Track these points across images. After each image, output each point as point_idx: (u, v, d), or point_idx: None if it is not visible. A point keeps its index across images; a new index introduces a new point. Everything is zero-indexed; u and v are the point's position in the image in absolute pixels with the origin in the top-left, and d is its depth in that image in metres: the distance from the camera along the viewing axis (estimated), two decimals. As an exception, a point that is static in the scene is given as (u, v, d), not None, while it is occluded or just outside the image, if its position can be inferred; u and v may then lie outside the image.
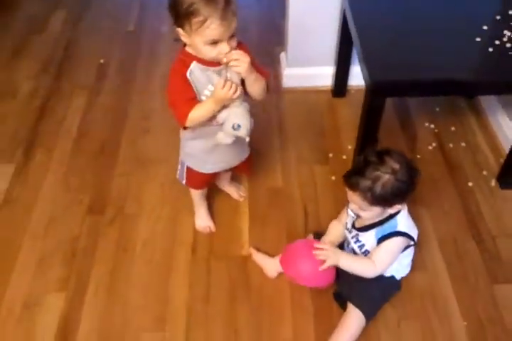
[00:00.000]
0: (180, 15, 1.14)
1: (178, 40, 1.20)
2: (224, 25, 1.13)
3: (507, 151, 1.66)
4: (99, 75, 2.11)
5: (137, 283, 1.45)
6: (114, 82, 2.08)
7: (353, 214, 1.34)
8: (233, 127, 1.22)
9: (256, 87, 1.25)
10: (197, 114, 1.22)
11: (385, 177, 1.19)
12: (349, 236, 1.38)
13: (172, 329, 1.35)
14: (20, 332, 1.35)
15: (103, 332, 1.35)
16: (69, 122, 1.92)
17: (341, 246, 1.43)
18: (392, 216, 1.29)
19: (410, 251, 1.36)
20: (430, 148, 1.83)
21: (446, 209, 1.64)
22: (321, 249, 1.30)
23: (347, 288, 1.36)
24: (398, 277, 1.39)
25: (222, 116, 1.24)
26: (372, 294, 1.34)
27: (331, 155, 1.79)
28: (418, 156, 1.80)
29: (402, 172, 1.20)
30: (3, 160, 1.78)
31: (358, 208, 1.26)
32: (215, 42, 1.15)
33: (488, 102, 1.93)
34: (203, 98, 1.23)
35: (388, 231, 1.29)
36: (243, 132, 1.23)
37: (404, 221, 1.30)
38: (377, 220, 1.30)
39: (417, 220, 1.54)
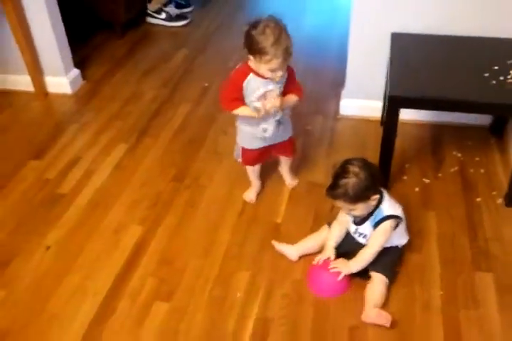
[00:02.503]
0: (254, 51, 1.65)
1: (245, 60, 1.74)
2: (282, 63, 1.65)
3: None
4: (202, 93, 2.73)
5: (195, 228, 1.94)
6: (211, 98, 2.67)
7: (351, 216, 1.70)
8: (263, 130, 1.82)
9: (291, 103, 1.82)
10: (241, 112, 1.79)
11: (351, 181, 1.55)
12: (352, 231, 1.72)
13: (211, 260, 1.81)
14: (106, 248, 1.88)
15: (163, 254, 1.84)
16: (173, 121, 2.53)
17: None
18: (377, 206, 1.63)
19: (401, 226, 1.70)
20: (452, 170, 2.18)
21: (452, 215, 1.97)
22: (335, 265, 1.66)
23: None
24: (400, 246, 1.74)
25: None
26: (387, 261, 1.68)
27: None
28: (439, 175, 2.16)
29: (362, 172, 1.56)
30: (122, 141, 2.41)
31: (347, 210, 1.64)
32: (274, 70, 1.67)
33: (515, 143, 2.26)
34: (252, 99, 1.74)
35: (379, 218, 1.63)
36: (269, 133, 1.84)
37: (387, 207, 1.63)
38: (367, 213, 1.65)
39: (424, 221, 1.94)
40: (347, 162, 1.61)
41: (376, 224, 1.64)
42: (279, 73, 1.68)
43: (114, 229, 1.95)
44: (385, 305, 1.62)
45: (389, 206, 1.65)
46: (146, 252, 1.86)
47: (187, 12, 3.56)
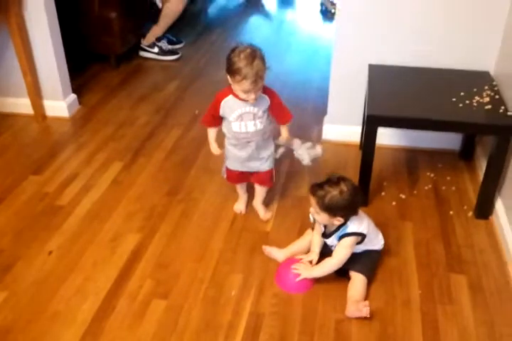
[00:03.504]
0: (229, 71, 1.79)
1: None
2: (252, 85, 1.77)
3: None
4: (193, 119, 2.91)
5: (190, 236, 2.06)
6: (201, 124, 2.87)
7: (322, 228, 1.85)
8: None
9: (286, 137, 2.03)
10: (208, 132, 2.01)
11: (333, 193, 1.70)
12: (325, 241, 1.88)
13: (205, 264, 1.93)
14: (105, 253, 1.98)
15: (160, 258, 1.95)
16: (166, 143, 2.69)
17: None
18: (344, 223, 1.77)
19: (368, 236, 1.82)
20: (426, 188, 2.37)
21: (427, 225, 2.14)
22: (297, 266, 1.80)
23: (347, 263, 1.79)
24: (378, 249, 1.90)
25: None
26: (366, 262, 1.84)
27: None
28: (415, 192, 2.35)
29: (347, 194, 1.71)
30: (117, 159, 2.55)
31: (314, 211, 1.79)
32: (246, 92, 1.80)
33: (482, 165, 2.48)
34: (231, 119, 1.89)
35: (343, 233, 1.78)
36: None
37: (352, 225, 1.77)
38: (333, 229, 1.80)
39: (401, 230, 2.11)
40: (343, 178, 1.76)
41: (340, 238, 1.79)
42: (252, 96, 1.81)
43: (112, 236, 2.06)
44: (369, 304, 1.74)
45: (354, 224, 1.79)
46: (143, 257, 1.96)
47: (178, 48, 3.81)
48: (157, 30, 3.64)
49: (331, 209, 1.73)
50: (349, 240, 1.78)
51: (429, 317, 1.73)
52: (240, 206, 2.20)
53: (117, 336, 1.66)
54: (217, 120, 1.97)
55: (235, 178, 2.12)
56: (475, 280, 1.87)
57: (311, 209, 1.81)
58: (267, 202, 2.23)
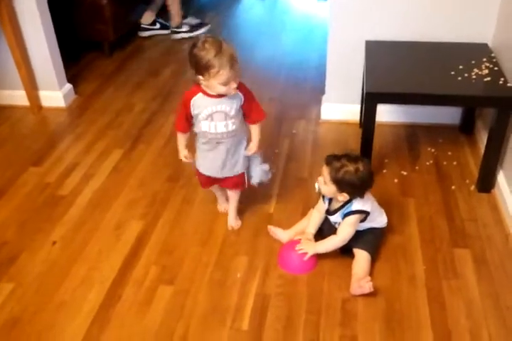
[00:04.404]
0: (200, 69, 1.63)
1: (196, 81, 1.72)
2: (231, 71, 1.62)
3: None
4: (191, 104, 2.91)
5: (193, 221, 2.06)
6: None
7: (326, 205, 1.85)
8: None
9: (257, 137, 1.84)
10: (178, 137, 1.87)
11: (349, 168, 1.70)
12: (329, 218, 1.88)
13: (210, 248, 1.94)
14: (110, 239, 1.99)
15: (164, 244, 1.96)
16: (164, 129, 2.67)
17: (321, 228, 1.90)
18: (349, 201, 1.76)
19: (370, 214, 1.82)
20: (427, 163, 2.36)
21: (429, 201, 2.14)
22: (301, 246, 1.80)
23: (351, 240, 1.80)
24: (379, 226, 1.89)
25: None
26: (369, 239, 1.84)
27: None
28: (416, 167, 2.34)
29: (362, 173, 1.70)
30: (117, 147, 2.54)
31: (322, 182, 1.77)
32: (226, 83, 1.65)
33: (483, 138, 2.46)
34: (200, 117, 1.75)
35: (347, 211, 1.78)
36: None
37: (357, 203, 1.76)
38: (338, 206, 1.80)
39: (404, 207, 2.10)
40: (362, 159, 1.75)
41: (344, 216, 1.79)
42: (233, 85, 1.66)
43: (116, 224, 2.06)
44: (372, 279, 1.74)
45: (359, 202, 1.78)
46: (147, 244, 1.96)
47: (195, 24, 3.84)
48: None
49: (340, 184, 1.72)
50: (353, 218, 1.78)
51: (434, 292, 1.73)
52: (222, 205, 2.10)
53: (125, 323, 1.67)
54: (190, 122, 1.82)
55: (205, 183, 1.98)
56: (479, 253, 1.87)
57: (320, 179, 1.79)
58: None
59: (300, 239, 1.87)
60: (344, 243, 1.80)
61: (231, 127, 1.78)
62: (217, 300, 1.73)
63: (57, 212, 2.13)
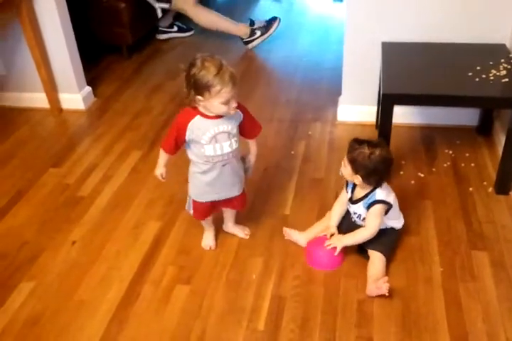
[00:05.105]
0: (200, 89, 1.57)
1: (190, 104, 1.66)
2: (233, 90, 1.58)
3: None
4: (208, 106, 2.93)
5: (209, 222, 2.09)
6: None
7: (349, 194, 1.86)
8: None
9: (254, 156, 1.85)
10: (160, 156, 1.82)
11: (365, 151, 1.73)
12: (350, 210, 1.88)
13: (226, 249, 1.96)
14: (129, 240, 2.02)
15: (181, 245, 1.98)
16: (182, 131, 2.71)
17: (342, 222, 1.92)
18: (373, 190, 1.78)
19: (393, 209, 1.83)
20: (445, 165, 2.35)
21: (447, 203, 2.13)
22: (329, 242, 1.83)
23: (367, 242, 1.82)
24: (397, 228, 1.89)
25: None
26: (384, 240, 1.83)
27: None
28: (433, 169, 2.33)
29: (375, 158, 1.71)
30: (136, 148, 2.58)
31: (344, 163, 1.79)
32: (227, 102, 1.61)
33: (501, 140, 2.44)
34: (203, 142, 1.67)
35: (371, 201, 1.78)
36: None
37: (381, 192, 1.77)
38: (361, 195, 1.81)
39: (421, 208, 2.09)
40: (383, 146, 1.77)
41: (368, 206, 1.79)
42: (234, 104, 1.62)
43: (134, 224, 2.09)
44: (388, 281, 1.74)
45: (382, 192, 1.79)
46: (164, 244, 1.99)
47: (188, 36, 3.88)
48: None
49: (354, 164, 1.75)
50: (378, 208, 1.78)
51: (451, 295, 1.73)
52: (208, 241, 1.97)
53: (143, 322, 1.69)
54: (180, 146, 1.75)
55: (205, 212, 1.89)
56: (497, 256, 1.86)
57: (343, 161, 1.81)
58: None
59: (325, 235, 1.88)
60: (373, 235, 1.79)
61: (235, 145, 1.74)
62: (234, 301, 1.75)
63: (77, 213, 2.16)
